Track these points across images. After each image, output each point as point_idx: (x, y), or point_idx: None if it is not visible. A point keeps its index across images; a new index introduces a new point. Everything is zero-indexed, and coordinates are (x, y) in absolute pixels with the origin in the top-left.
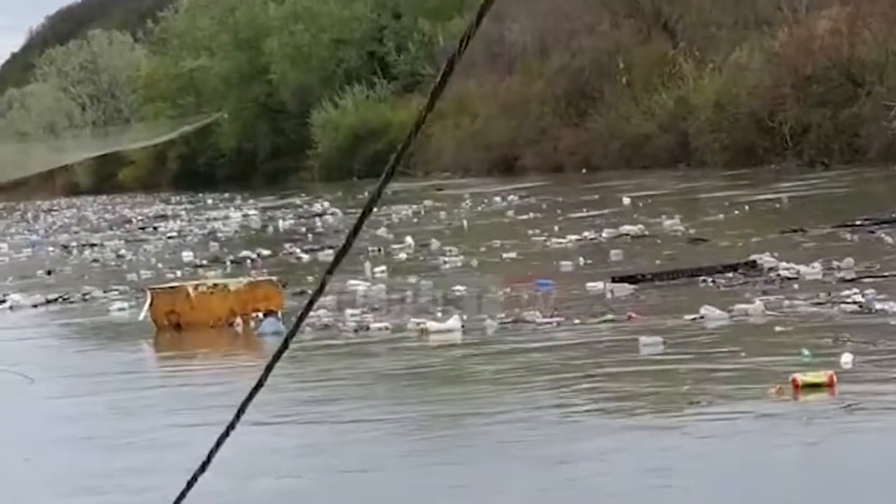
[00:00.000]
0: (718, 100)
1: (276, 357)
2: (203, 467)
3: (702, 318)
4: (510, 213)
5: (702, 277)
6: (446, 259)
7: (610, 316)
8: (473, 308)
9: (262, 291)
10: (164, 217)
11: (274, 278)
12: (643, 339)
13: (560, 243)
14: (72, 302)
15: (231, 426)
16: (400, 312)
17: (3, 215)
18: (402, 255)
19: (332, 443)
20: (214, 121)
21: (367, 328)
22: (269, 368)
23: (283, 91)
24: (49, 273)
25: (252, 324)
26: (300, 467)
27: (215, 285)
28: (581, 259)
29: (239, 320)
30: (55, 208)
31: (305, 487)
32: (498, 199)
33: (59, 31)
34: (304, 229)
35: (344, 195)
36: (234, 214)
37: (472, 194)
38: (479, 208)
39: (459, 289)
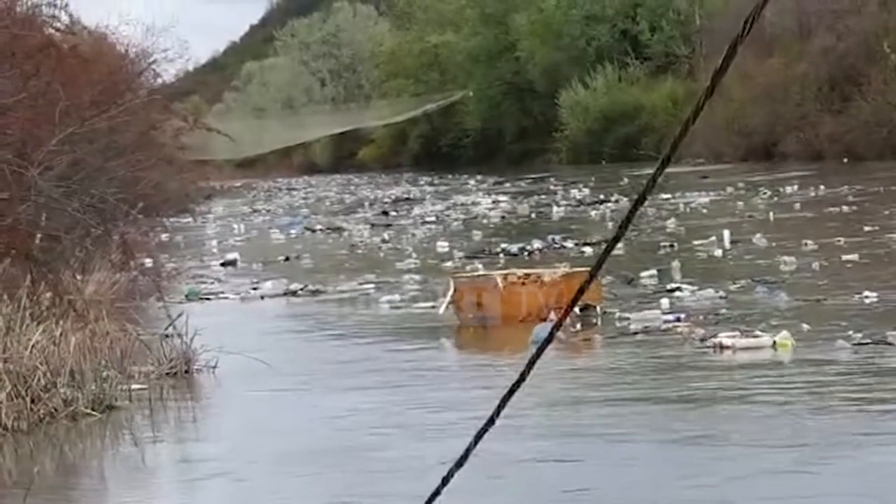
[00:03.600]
0: None
1: (539, 352)
2: (460, 463)
3: None
4: (797, 205)
5: None
6: (784, 259)
7: None
8: (819, 321)
9: (579, 283)
10: (409, 200)
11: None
12: None
13: None
14: (333, 292)
15: (491, 420)
16: (732, 322)
17: (242, 193)
18: (717, 252)
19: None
20: (459, 99)
21: (720, 345)
22: (531, 363)
23: (530, 70)
24: (286, 259)
25: (569, 319)
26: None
27: (527, 275)
28: None
29: (553, 315)
30: (294, 187)
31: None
32: (789, 188)
33: (300, 1)
34: (593, 215)
35: (598, 180)
36: (483, 199)
37: (749, 183)
38: (776, 198)
39: (801, 297)
